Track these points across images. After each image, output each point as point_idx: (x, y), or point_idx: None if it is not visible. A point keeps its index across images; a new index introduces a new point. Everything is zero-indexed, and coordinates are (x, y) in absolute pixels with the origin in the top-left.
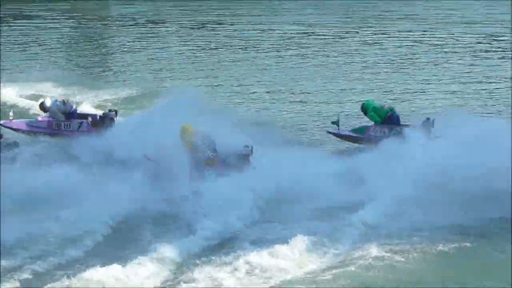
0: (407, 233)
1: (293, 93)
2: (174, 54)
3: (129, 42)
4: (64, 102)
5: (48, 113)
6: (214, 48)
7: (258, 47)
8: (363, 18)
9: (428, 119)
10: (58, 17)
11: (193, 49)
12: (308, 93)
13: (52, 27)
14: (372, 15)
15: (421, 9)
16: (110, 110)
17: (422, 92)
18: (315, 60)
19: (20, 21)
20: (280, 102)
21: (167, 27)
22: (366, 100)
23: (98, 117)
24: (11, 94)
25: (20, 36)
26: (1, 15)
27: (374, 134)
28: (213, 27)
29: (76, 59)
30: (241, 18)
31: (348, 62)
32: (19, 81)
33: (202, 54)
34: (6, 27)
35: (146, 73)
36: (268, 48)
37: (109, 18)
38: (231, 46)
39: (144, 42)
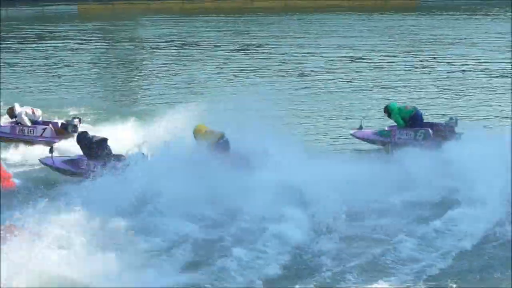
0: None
1: (338, 118)
2: (210, 78)
3: (162, 64)
4: (33, 112)
5: (15, 118)
6: (253, 71)
7: (300, 71)
8: (411, 42)
9: (451, 118)
10: (86, 38)
11: (231, 73)
12: (354, 118)
13: (80, 48)
14: (421, 39)
15: (471, 33)
16: (73, 118)
17: (477, 118)
18: (361, 84)
19: (46, 41)
20: (323, 128)
21: (203, 49)
22: (390, 103)
23: (59, 124)
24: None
25: (46, 57)
26: (25, 35)
27: (400, 136)
28: (253, 50)
29: (105, 82)
30: (282, 40)
31: (396, 87)
32: (43, 104)
33: (240, 78)
34: (31, 48)
35: (180, 98)
36: (311, 72)
37: (139, 39)
38: (272, 70)
39: (178, 65)
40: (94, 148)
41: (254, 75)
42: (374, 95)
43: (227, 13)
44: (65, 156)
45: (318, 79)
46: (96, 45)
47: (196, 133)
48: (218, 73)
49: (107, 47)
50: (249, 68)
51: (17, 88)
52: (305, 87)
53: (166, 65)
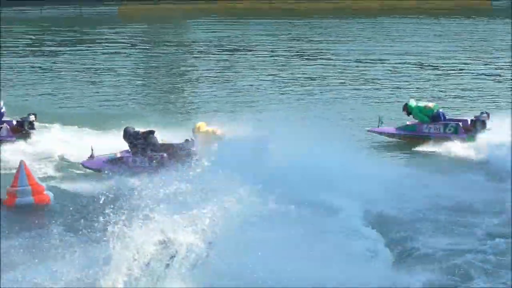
0: None
1: None
2: (262, 85)
3: (210, 70)
4: None
5: None
6: (310, 79)
7: (362, 79)
8: (483, 48)
9: (482, 112)
10: (127, 41)
11: (286, 80)
12: None
13: (120, 52)
14: (493, 45)
15: None
16: (29, 114)
17: None
18: (428, 93)
19: (83, 45)
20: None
21: (255, 55)
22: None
23: (14, 122)
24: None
25: (84, 62)
26: (62, 38)
27: (428, 130)
28: (310, 55)
29: (149, 89)
30: (341, 46)
31: (467, 96)
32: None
33: (295, 86)
34: (66, 52)
35: (230, 107)
36: (375, 79)
37: (186, 43)
38: (331, 77)
39: (228, 72)
40: (140, 142)
41: (312, 83)
42: (446, 105)
43: (280, 16)
44: (107, 156)
45: (382, 87)
46: (138, 49)
47: (196, 130)
48: (272, 80)
49: (150, 51)
50: (306, 76)
51: (50, 94)
52: (369, 96)
53: (215, 71)
